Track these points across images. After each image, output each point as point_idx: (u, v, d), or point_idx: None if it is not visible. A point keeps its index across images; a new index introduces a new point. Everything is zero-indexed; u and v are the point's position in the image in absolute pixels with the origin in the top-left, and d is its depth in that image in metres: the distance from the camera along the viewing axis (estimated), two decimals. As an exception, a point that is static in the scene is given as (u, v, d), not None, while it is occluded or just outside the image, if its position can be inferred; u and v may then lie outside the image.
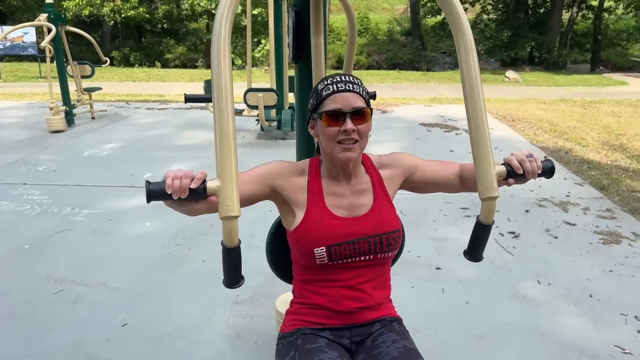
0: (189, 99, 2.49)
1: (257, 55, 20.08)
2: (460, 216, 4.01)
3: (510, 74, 16.59)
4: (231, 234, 1.18)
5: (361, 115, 1.32)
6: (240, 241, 1.22)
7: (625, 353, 2.35)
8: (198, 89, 11.31)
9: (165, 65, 22.12)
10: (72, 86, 7.69)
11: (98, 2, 19.80)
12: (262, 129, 7.02)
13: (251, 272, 3.04)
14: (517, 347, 2.39)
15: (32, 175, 5.10)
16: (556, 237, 3.62)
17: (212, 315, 2.65)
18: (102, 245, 3.50)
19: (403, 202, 4.28)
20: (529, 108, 9.77)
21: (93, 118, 8.22)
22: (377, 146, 6.27)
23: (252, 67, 19.39)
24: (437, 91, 12.32)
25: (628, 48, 23.43)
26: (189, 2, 19.97)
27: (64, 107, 7.37)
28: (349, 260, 1.39)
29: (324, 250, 1.35)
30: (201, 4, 19.94)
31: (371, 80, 15.35)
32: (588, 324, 2.57)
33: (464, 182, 1.48)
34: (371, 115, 1.36)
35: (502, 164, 1.31)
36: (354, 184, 1.43)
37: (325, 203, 1.39)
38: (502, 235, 3.65)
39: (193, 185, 1.13)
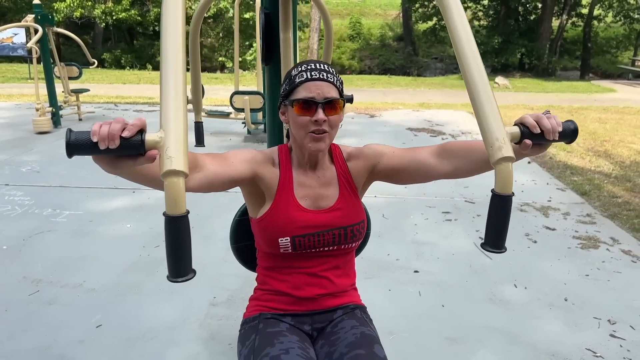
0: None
1: (249, 58, 20.09)
2: (441, 220, 4.03)
3: (499, 80, 16.71)
4: (176, 197, 0.87)
5: (333, 105, 1.30)
6: (188, 211, 0.90)
7: (597, 357, 2.37)
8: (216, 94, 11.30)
9: (156, 67, 22.05)
10: (60, 87, 7.66)
11: (89, 4, 19.75)
12: (248, 131, 7.02)
13: (230, 274, 3.05)
14: (491, 349, 2.40)
15: (15, 176, 5.06)
16: (535, 242, 3.64)
17: (187, 317, 2.64)
18: (81, 246, 3.48)
19: (385, 205, 4.30)
20: (516, 114, 9.82)
21: (80, 120, 8.18)
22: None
23: (245, 70, 19.45)
24: (426, 96, 12.37)
25: (617, 56, 23.69)
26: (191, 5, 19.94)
27: (50, 109, 7.33)
28: (313, 250, 1.41)
29: (288, 240, 1.37)
30: (193, 7, 19.92)
31: (362, 84, 15.38)
32: (561, 327, 2.59)
33: (448, 158, 1.32)
34: (343, 106, 1.35)
35: (514, 125, 1.10)
36: (320, 175, 1.43)
37: (294, 193, 1.40)
38: (482, 239, 3.65)
39: (126, 134, 0.87)
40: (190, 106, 2.49)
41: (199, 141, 2.50)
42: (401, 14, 27.91)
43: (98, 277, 3.03)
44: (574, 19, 23.07)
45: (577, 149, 6.75)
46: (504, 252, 1.05)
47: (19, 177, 5.01)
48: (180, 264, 0.91)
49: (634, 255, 3.44)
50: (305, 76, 1.30)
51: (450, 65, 27.51)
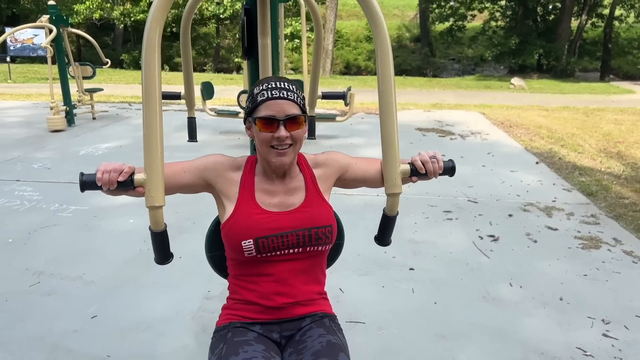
0: (166, 96, 2.56)
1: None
2: (442, 219, 4.02)
3: (515, 80, 16.54)
4: (156, 221, 1.36)
5: (295, 121, 1.35)
6: (166, 225, 1.41)
7: (587, 355, 2.35)
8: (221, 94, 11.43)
9: (174, 68, 22.32)
10: (74, 87, 7.82)
11: (108, 5, 20.07)
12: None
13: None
14: (479, 347, 2.40)
15: (26, 172, 5.19)
16: (535, 241, 3.61)
17: (181, 309, 2.68)
18: (84, 240, 3.55)
19: (384, 203, 4.30)
20: (530, 115, 9.73)
21: (94, 118, 8.33)
22: (369, 149, 6.31)
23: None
24: (439, 97, 12.32)
25: (639, 57, 23.24)
26: (199, 6, 20.15)
27: (64, 107, 7.48)
28: (278, 253, 1.42)
29: (252, 242, 1.38)
30: (210, 8, 20.14)
31: (375, 85, 15.27)
32: (553, 326, 2.57)
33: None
34: (305, 121, 1.39)
35: (408, 163, 1.46)
36: (287, 182, 1.46)
37: (256, 199, 1.43)
38: (482, 238, 3.65)
39: (121, 179, 1.28)
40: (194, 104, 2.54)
41: (192, 136, 2.54)
42: (418, 15, 27.80)
43: (97, 270, 3.10)
44: (594, 19, 22.70)
45: (588, 150, 6.66)
46: (389, 244, 1.67)
47: (30, 174, 5.13)
48: (162, 256, 1.49)
49: (636, 256, 3.39)
50: (266, 95, 1.35)
51: (468, 67, 27.33)
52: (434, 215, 4.11)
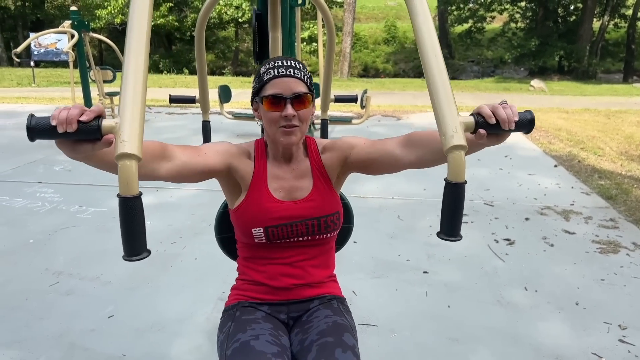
0: (173, 99, 2.57)
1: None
2: (457, 222, 3.99)
3: (535, 82, 16.34)
4: (128, 179, 0.91)
5: (302, 100, 1.34)
6: (141, 192, 0.94)
7: (602, 361, 2.32)
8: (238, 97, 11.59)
9: (193, 72, 22.58)
10: (95, 91, 7.97)
11: (127, 11, 20.41)
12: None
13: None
14: (492, 350, 2.38)
15: (47, 174, 5.30)
16: (552, 245, 3.57)
17: (195, 310, 2.72)
18: (102, 241, 3.62)
19: (401, 207, 4.30)
20: (549, 117, 9.61)
21: (114, 121, 8.47)
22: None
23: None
24: (458, 99, 12.12)
25: (664, 58, 22.79)
26: (217, 10, 20.37)
27: (85, 111, 7.62)
28: (287, 240, 1.45)
29: (261, 230, 1.41)
30: (229, 12, 20.34)
31: (393, 87, 15.35)
32: (568, 331, 2.54)
33: (411, 148, 1.35)
34: (312, 100, 1.38)
35: (470, 115, 1.09)
36: (294, 167, 1.47)
37: (268, 186, 1.44)
38: (497, 242, 3.62)
39: (84, 118, 0.92)
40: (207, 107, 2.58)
41: (206, 140, 2.58)
42: (437, 17, 27.68)
43: (114, 271, 3.15)
44: (617, 20, 22.33)
45: (609, 153, 6.55)
46: (459, 239, 1.03)
47: (52, 176, 5.25)
48: (134, 243, 0.95)
49: (656, 261, 3.33)
50: (272, 73, 1.34)
51: (487, 69, 27.10)
52: (449, 218, 4.08)
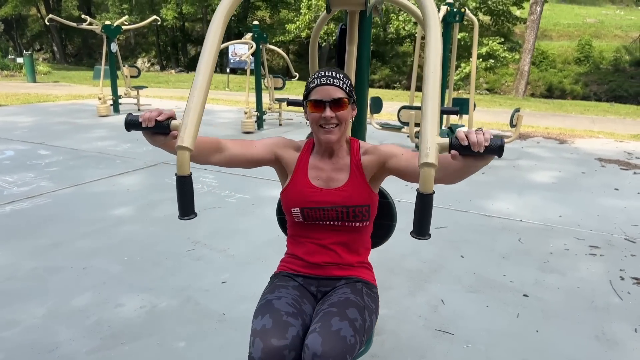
0: (290, 102, 2.91)
1: (455, 78, 20.03)
2: (583, 253, 3.71)
3: None
4: (182, 164, 1.32)
5: (339, 104, 1.61)
6: (191, 173, 1.35)
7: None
8: (393, 108, 12.00)
9: (370, 85, 23.47)
10: (266, 96, 8.94)
11: (313, 25, 22.08)
12: (416, 146, 7.22)
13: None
14: (568, 382, 2.26)
15: (213, 163, 6.18)
16: (692, 293, 3.13)
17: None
18: (237, 222, 4.19)
19: (526, 230, 4.13)
20: None
21: (280, 125, 9.39)
22: (535, 172, 5.97)
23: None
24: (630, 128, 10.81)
25: None
26: (395, 26, 20.92)
27: (256, 113, 8.61)
28: (321, 223, 1.70)
29: (299, 210, 1.69)
30: (406, 27, 20.73)
31: (570, 110, 14.11)
32: (669, 382, 2.28)
33: (442, 169, 1.46)
34: (350, 103, 1.64)
35: (447, 136, 1.29)
36: (334, 161, 1.72)
37: (308, 174, 1.72)
38: (623, 279, 3.29)
39: (160, 118, 1.39)
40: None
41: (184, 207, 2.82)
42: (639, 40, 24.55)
43: (239, 247, 3.65)
44: None
45: None
46: (427, 238, 1.27)
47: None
48: (186, 209, 1.40)
49: None
50: (316, 82, 1.62)
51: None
52: (576, 248, 3.81)
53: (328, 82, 1.61)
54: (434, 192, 1.22)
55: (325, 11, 2.06)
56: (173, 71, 28.06)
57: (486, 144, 1.23)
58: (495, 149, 1.24)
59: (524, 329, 2.69)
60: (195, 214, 1.44)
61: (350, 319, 1.50)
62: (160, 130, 1.40)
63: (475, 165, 1.31)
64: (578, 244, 3.89)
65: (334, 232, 1.71)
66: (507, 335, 2.62)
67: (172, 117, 1.41)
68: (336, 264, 1.72)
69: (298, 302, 1.62)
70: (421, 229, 1.26)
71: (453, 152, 1.26)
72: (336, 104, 1.60)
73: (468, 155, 1.27)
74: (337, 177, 1.70)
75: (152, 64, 32.56)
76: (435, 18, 1.40)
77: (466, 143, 1.24)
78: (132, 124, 1.42)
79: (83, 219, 4.17)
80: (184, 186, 1.36)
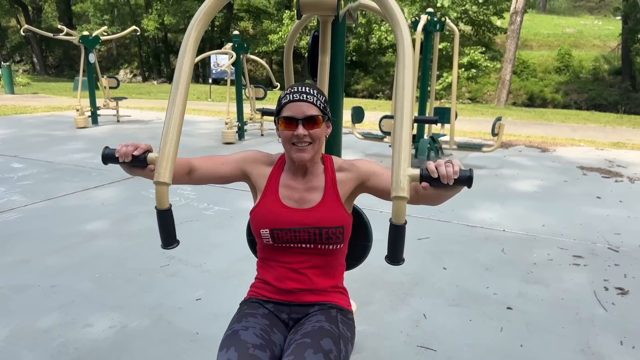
0: (265, 112, 2.85)
1: (438, 87, 20.18)
2: (567, 263, 3.66)
3: None
4: (161, 198, 1.40)
5: (313, 121, 1.51)
6: (170, 205, 1.43)
7: None
8: (376, 118, 11.99)
9: (353, 95, 23.51)
10: (247, 107, 8.85)
11: (298, 36, 22.10)
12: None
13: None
14: (553, 400, 2.18)
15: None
16: (676, 303, 3.09)
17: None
18: (215, 235, 4.07)
19: (509, 240, 4.07)
20: None
21: (262, 135, 9.29)
22: (518, 181, 5.95)
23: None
24: (626, 136, 10.92)
25: None
26: (377, 36, 21.03)
27: (237, 123, 8.51)
28: (291, 245, 1.58)
29: (268, 232, 1.57)
30: (388, 37, 20.84)
31: (552, 118, 14.24)
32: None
33: (417, 195, 1.45)
34: (324, 121, 1.54)
35: (419, 168, 1.31)
36: (308, 180, 1.61)
37: (278, 192, 1.61)
38: (607, 289, 3.24)
39: (136, 153, 1.41)
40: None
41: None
42: (619, 46, 25.02)
43: (216, 262, 3.53)
44: None
45: None
46: (401, 264, 1.32)
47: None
48: (167, 239, 1.47)
49: None
50: (288, 98, 1.52)
51: (679, 104, 23.61)
52: (559, 258, 3.76)
53: (301, 98, 1.51)
54: (406, 222, 1.27)
55: (298, 20, 1.98)
56: (155, 82, 27.87)
57: (455, 177, 1.26)
58: (464, 180, 1.28)
59: (508, 344, 2.61)
60: (178, 242, 1.49)
61: (325, 350, 1.40)
62: (137, 164, 1.42)
63: (446, 194, 1.36)
64: (561, 253, 3.84)
65: (306, 256, 1.60)
66: (491, 351, 2.54)
67: (149, 151, 1.43)
68: (308, 290, 1.61)
69: (267, 332, 1.51)
70: (395, 256, 1.31)
71: (424, 183, 1.29)
72: (309, 121, 1.50)
73: (438, 186, 1.30)
74: (310, 197, 1.60)
75: (135, 75, 32.29)
76: (409, 46, 1.38)
77: (436, 175, 1.27)
78: (108, 157, 1.43)
79: (54, 234, 4.02)
80: (165, 219, 1.42)
